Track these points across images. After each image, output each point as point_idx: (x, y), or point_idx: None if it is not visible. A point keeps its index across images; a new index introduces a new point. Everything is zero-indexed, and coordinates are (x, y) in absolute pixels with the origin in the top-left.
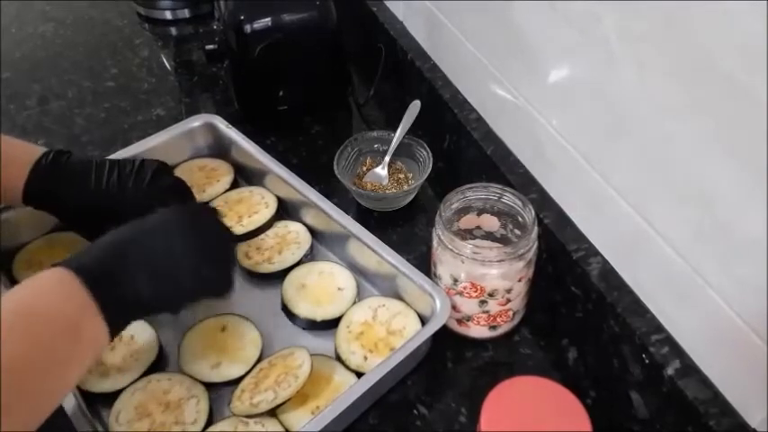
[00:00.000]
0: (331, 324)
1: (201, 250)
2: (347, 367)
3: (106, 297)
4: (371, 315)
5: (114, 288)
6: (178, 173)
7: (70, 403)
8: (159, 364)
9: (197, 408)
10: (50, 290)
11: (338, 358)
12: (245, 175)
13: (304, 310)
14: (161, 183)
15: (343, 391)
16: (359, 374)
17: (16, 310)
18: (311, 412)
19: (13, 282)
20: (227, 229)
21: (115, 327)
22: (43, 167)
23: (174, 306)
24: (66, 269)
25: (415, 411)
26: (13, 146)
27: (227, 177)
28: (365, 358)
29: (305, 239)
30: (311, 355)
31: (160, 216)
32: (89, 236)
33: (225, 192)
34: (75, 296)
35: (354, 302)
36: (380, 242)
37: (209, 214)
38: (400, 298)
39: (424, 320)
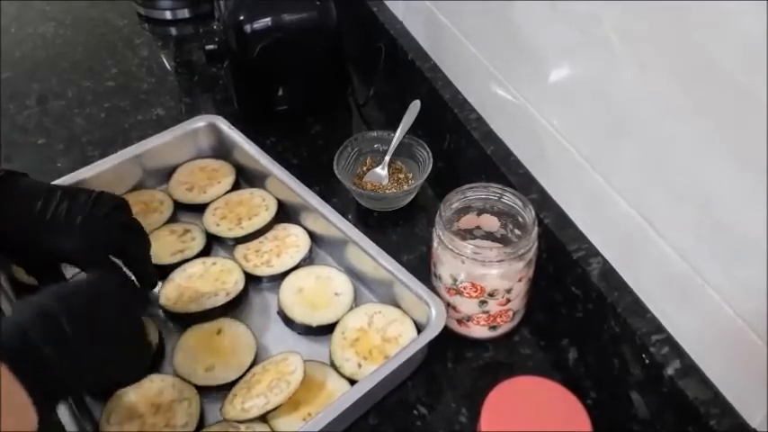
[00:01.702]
0: (327, 329)
1: (97, 328)
2: (341, 374)
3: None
4: (367, 322)
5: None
6: (180, 173)
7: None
8: (155, 364)
9: (188, 411)
10: None
11: (332, 365)
12: (247, 177)
13: (300, 314)
14: (115, 222)
15: (335, 399)
16: (353, 381)
17: None
18: (303, 419)
19: (14, 282)
20: (137, 304)
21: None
22: None
23: (78, 387)
24: None
25: (415, 412)
26: None
27: (228, 179)
28: (359, 365)
29: (304, 243)
30: (305, 360)
31: (72, 285)
32: (29, 271)
33: (226, 193)
34: None
35: (351, 308)
36: (379, 248)
37: (122, 288)
38: (397, 304)
39: (420, 328)
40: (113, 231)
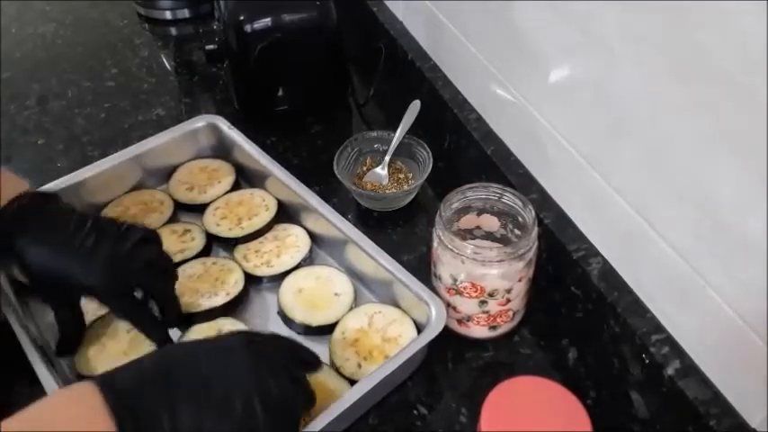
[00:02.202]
0: (327, 329)
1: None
2: (341, 374)
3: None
4: (367, 322)
5: (142, 419)
6: (180, 173)
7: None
8: None
9: None
10: (70, 404)
11: (332, 365)
12: (247, 177)
13: (300, 315)
14: (143, 255)
15: (335, 399)
16: (353, 381)
17: (29, 418)
18: (303, 419)
19: (14, 282)
20: (303, 379)
21: None
22: (9, 214)
23: None
24: (94, 385)
25: (415, 412)
26: None
27: (228, 179)
28: (359, 365)
29: (304, 243)
30: None
31: (222, 341)
32: (45, 299)
33: (226, 193)
34: (95, 415)
35: (351, 308)
36: (378, 248)
37: (278, 352)
38: (397, 305)
39: (420, 328)
40: (137, 268)
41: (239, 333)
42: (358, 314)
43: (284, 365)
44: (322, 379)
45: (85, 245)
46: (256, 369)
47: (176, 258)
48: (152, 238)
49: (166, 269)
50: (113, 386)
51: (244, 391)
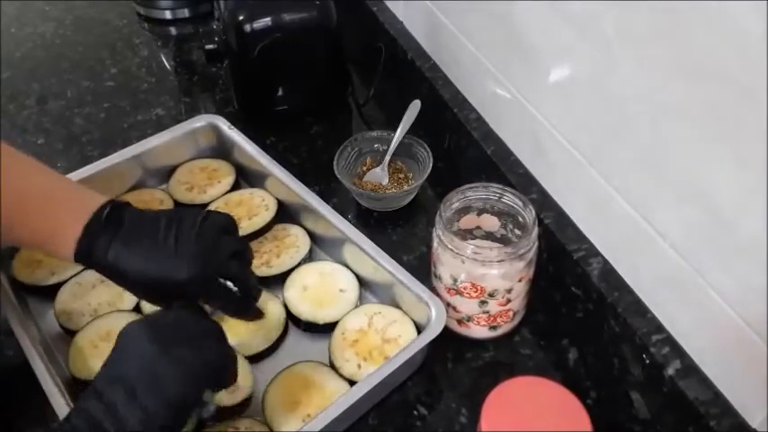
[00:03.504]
0: (332, 327)
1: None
2: (341, 375)
3: None
4: (367, 322)
5: None
6: (180, 173)
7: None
8: None
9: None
10: None
11: (332, 365)
12: (247, 177)
13: (305, 312)
14: (227, 247)
15: (334, 400)
16: (353, 382)
17: None
18: (302, 419)
19: (14, 282)
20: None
21: None
22: (98, 225)
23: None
24: None
25: (415, 412)
26: (66, 192)
27: (228, 179)
28: (359, 366)
29: (304, 243)
30: (304, 361)
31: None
32: (151, 301)
33: (226, 193)
34: None
35: (357, 305)
36: (378, 249)
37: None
38: (397, 305)
39: (420, 329)
40: (223, 259)
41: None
42: (358, 314)
43: (186, 337)
44: (322, 379)
45: (169, 242)
46: (152, 348)
47: None
48: (231, 223)
49: (247, 250)
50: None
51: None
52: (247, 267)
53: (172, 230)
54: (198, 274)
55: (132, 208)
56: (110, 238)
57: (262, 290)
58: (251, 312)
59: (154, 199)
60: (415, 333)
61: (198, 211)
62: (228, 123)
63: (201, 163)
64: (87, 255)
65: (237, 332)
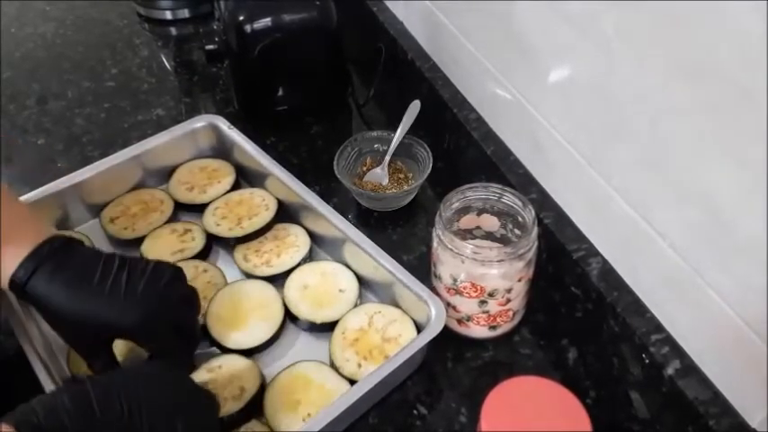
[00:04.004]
0: (331, 326)
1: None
2: (341, 374)
3: None
4: (367, 322)
5: None
6: (180, 173)
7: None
8: None
9: None
10: None
11: (332, 365)
12: (247, 177)
13: (305, 311)
14: (177, 292)
15: (335, 399)
16: (353, 381)
17: None
18: (302, 419)
19: None
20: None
21: None
22: (39, 258)
23: None
24: (8, 424)
25: (414, 411)
26: (16, 219)
27: (228, 179)
28: (359, 365)
29: (304, 243)
30: (305, 360)
31: (143, 369)
32: (78, 349)
33: (226, 193)
34: None
35: (356, 305)
36: (378, 248)
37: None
38: (397, 304)
39: (420, 328)
40: (173, 303)
41: (156, 360)
42: (358, 314)
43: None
44: (322, 379)
45: (117, 285)
46: (179, 392)
47: (176, 258)
48: (180, 274)
49: (195, 301)
50: (32, 425)
51: (168, 415)
52: (196, 315)
53: (122, 272)
54: (146, 320)
55: (82, 247)
56: (48, 275)
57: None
58: (190, 361)
59: (154, 199)
60: (415, 332)
61: (147, 260)
62: (228, 123)
63: (201, 163)
64: (21, 288)
65: (236, 327)
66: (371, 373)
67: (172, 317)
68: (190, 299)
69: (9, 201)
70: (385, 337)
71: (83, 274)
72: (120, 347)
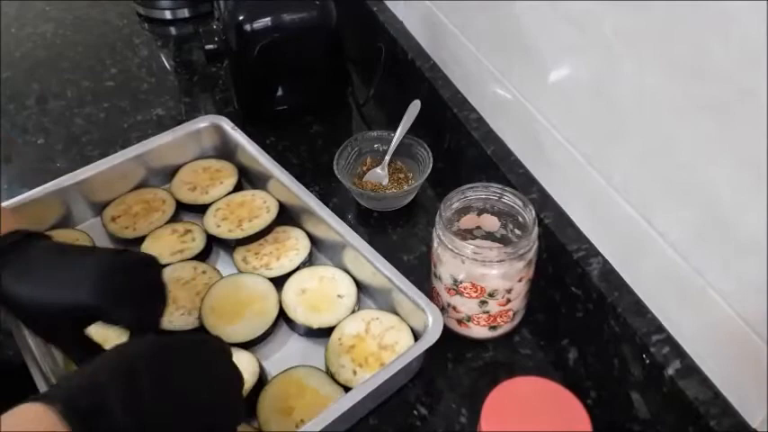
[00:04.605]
0: (328, 332)
1: (210, 394)
2: (336, 381)
3: None
4: (364, 328)
5: (102, 426)
6: (183, 173)
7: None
8: None
9: None
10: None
11: (328, 371)
12: (249, 178)
13: (302, 316)
14: (143, 275)
15: (327, 407)
16: (348, 389)
17: None
18: (296, 425)
19: None
20: (235, 367)
21: None
22: None
23: None
24: (46, 405)
25: (415, 412)
26: None
27: (230, 180)
28: (354, 372)
29: (304, 246)
30: (301, 366)
31: (164, 339)
32: (49, 339)
33: (228, 194)
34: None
35: (354, 311)
36: (377, 254)
37: (218, 348)
38: (395, 311)
39: (418, 336)
40: (135, 285)
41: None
42: (356, 320)
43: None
44: (317, 385)
45: (76, 266)
46: (220, 360)
47: (176, 258)
48: (152, 262)
49: (162, 291)
50: (69, 403)
51: (216, 379)
52: (158, 313)
53: (84, 257)
54: (102, 294)
55: (44, 241)
56: (5, 270)
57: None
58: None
59: (156, 198)
60: (413, 340)
61: (114, 249)
62: (232, 124)
63: (204, 163)
64: None
65: (231, 321)
66: (366, 380)
67: (131, 297)
68: (159, 290)
69: None
70: (382, 345)
71: (38, 264)
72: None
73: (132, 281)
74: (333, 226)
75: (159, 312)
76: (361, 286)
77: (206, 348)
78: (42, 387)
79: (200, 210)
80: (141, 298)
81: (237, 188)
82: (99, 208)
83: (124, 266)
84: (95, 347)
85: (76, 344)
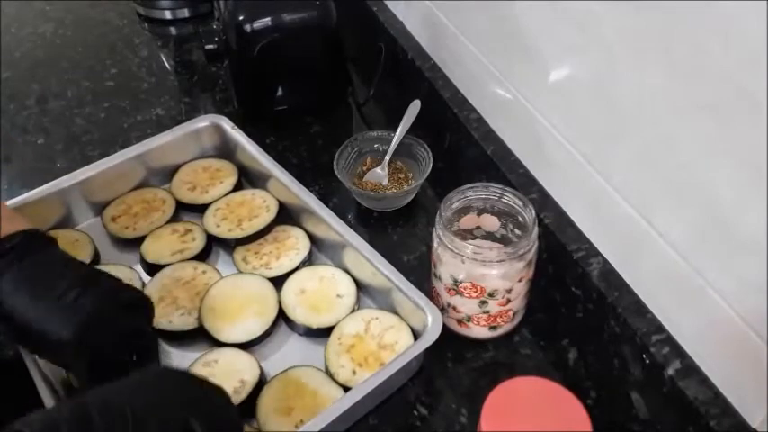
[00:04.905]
0: (328, 331)
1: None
2: (335, 381)
3: None
4: (364, 327)
5: None
6: (183, 172)
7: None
8: None
9: None
10: None
11: (327, 371)
12: (249, 178)
13: (301, 316)
14: (130, 323)
15: (327, 407)
16: (347, 388)
17: None
18: (295, 425)
19: None
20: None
21: None
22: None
23: None
24: None
25: (415, 412)
26: None
27: (230, 179)
28: (354, 372)
29: (303, 246)
30: (300, 366)
31: (140, 375)
32: (34, 352)
33: (228, 193)
34: None
35: (353, 310)
36: (377, 254)
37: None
38: (395, 311)
39: (417, 335)
40: (119, 333)
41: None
42: (355, 319)
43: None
44: (316, 385)
45: (68, 296)
46: (188, 390)
47: (176, 258)
48: (145, 305)
49: (149, 348)
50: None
51: (182, 418)
52: (145, 324)
53: (76, 287)
54: (81, 338)
55: (52, 248)
56: (6, 269)
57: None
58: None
59: (156, 198)
60: (412, 339)
61: (117, 280)
62: (232, 124)
63: (204, 163)
64: None
65: (230, 321)
66: (365, 380)
67: (112, 347)
68: (144, 340)
69: None
70: (381, 344)
71: (37, 279)
72: None
73: (115, 338)
74: (332, 226)
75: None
76: (360, 286)
77: (187, 388)
78: (42, 388)
79: (200, 209)
80: (119, 353)
81: (237, 188)
82: (99, 208)
83: (113, 318)
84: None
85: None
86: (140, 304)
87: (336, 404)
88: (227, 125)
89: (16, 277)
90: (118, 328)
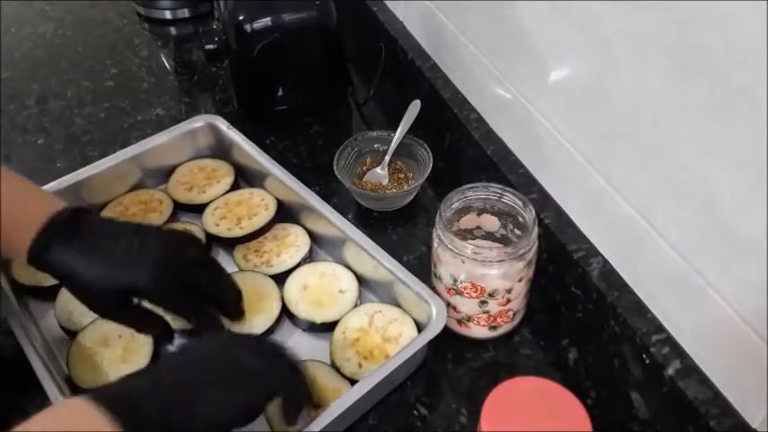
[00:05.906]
0: (331, 326)
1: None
2: (342, 374)
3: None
4: (367, 321)
5: (143, 424)
6: (179, 173)
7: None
8: None
9: None
10: (72, 424)
11: (333, 365)
12: (246, 177)
13: (304, 311)
14: (190, 254)
15: (336, 400)
16: (354, 381)
17: None
18: (303, 419)
19: (13, 282)
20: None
21: None
22: (54, 229)
23: None
24: (89, 401)
25: (415, 412)
26: (26, 195)
27: (227, 179)
28: (360, 365)
29: (304, 243)
30: (306, 360)
31: (207, 344)
32: (96, 309)
33: (225, 193)
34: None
35: (356, 305)
36: (378, 247)
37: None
38: (398, 304)
39: (421, 327)
40: (186, 265)
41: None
42: (358, 313)
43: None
44: (323, 379)
45: (131, 249)
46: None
47: None
48: (193, 239)
49: (214, 267)
50: (110, 399)
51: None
52: (217, 280)
53: (135, 239)
54: (159, 279)
55: (94, 216)
56: (63, 246)
57: (242, 309)
58: (220, 329)
59: (153, 199)
60: (416, 331)
61: (159, 227)
62: (227, 123)
63: (200, 163)
64: (39, 257)
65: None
66: (372, 372)
67: (184, 275)
68: (206, 265)
69: (13, 179)
70: (385, 337)
71: (96, 241)
72: None
73: (184, 264)
74: (332, 221)
75: (223, 289)
76: (362, 281)
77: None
78: (48, 386)
79: (198, 210)
80: (192, 285)
81: (234, 187)
82: (96, 210)
83: (175, 250)
84: (146, 316)
85: (130, 314)
86: (190, 240)
87: (346, 396)
88: (223, 125)
89: (78, 245)
90: (184, 260)
